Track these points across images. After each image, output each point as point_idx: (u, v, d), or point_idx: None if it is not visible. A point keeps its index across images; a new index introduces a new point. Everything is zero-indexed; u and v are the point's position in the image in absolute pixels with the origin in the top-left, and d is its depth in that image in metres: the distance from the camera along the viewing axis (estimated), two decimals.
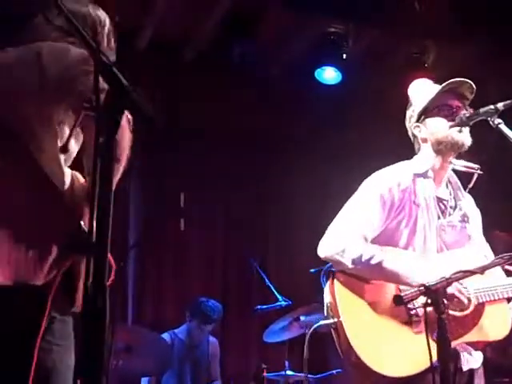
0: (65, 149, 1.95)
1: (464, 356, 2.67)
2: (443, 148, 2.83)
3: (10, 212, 1.84)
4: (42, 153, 1.90)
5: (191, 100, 5.90)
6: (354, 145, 6.43)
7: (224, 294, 6.35)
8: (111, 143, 1.35)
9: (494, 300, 2.67)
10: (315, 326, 2.77)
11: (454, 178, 2.96)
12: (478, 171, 2.87)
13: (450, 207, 2.88)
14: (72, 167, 2.03)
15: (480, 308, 2.67)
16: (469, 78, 2.85)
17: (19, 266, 1.78)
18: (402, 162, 2.91)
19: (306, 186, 6.54)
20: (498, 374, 4.54)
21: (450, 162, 2.87)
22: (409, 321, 2.59)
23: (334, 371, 5.10)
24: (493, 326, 2.66)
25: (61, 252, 1.83)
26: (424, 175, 2.84)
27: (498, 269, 2.70)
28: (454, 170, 2.94)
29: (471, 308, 2.65)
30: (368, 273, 2.66)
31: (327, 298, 2.70)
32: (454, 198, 2.91)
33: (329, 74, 5.91)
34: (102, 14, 2.21)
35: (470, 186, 2.92)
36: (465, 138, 2.80)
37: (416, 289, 2.31)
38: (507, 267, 2.75)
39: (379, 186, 2.78)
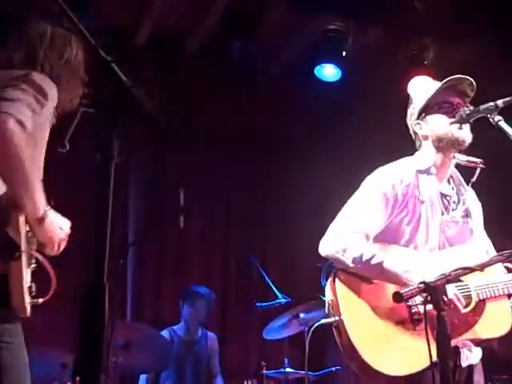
0: None
1: (464, 352, 2.67)
2: (444, 145, 2.82)
3: None
4: None
5: (191, 98, 5.89)
6: (354, 143, 6.41)
7: (224, 291, 6.35)
8: (111, 141, 1.34)
9: (495, 296, 2.67)
10: (316, 324, 2.76)
11: (456, 173, 2.96)
12: (481, 165, 2.87)
13: (453, 202, 2.88)
14: None
15: (481, 305, 2.66)
16: (469, 76, 2.84)
17: None
18: (404, 159, 2.91)
19: (306, 186, 6.54)
20: (499, 369, 4.56)
21: (453, 158, 2.87)
22: (410, 319, 2.59)
23: (333, 368, 5.11)
24: (494, 323, 2.66)
25: None
26: (427, 171, 2.84)
27: (499, 264, 2.70)
28: (457, 164, 2.93)
29: (472, 305, 2.65)
30: (368, 272, 2.66)
31: (328, 296, 2.69)
32: (456, 193, 2.91)
33: (329, 71, 5.89)
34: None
35: (473, 180, 2.91)
36: (465, 134, 2.80)
37: (416, 286, 2.31)
38: (507, 265, 2.75)
39: (382, 183, 2.78)
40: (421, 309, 2.55)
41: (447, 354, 2.12)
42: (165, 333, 5.36)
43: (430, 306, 2.16)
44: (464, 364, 2.67)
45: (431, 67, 5.65)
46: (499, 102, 2.50)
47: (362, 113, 6.28)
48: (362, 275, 2.67)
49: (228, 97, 6.04)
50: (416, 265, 2.64)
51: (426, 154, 2.88)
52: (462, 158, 2.89)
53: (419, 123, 2.91)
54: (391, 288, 2.63)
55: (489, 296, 2.67)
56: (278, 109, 6.33)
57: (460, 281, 2.62)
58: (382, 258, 2.63)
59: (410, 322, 2.59)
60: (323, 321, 2.73)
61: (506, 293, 2.69)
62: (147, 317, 5.99)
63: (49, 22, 2.22)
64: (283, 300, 5.19)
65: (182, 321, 5.51)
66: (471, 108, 2.73)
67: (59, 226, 2.15)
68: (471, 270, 2.31)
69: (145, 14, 5.50)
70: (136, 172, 6.07)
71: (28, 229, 2.08)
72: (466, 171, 2.94)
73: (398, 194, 2.76)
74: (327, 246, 2.70)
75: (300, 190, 6.55)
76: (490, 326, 2.65)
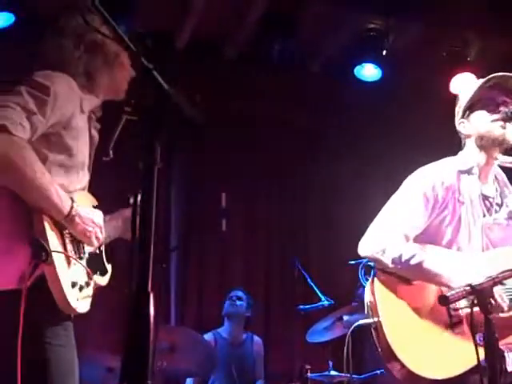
0: None
1: (509, 356, 2.61)
2: (485, 143, 2.77)
3: None
4: None
5: (235, 99, 5.92)
6: (394, 143, 6.32)
7: (266, 294, 6.35)
8: (153, 147, 1.35)
9: None
10: (354, 325, 2.75)
11: (501, 175, 2.90)
12: None
13: (496, 204, 2.82)
14: None
15: None
16: None
17: None
18: (446, 158, 2.86)
19: (348, 186, 6.49)
20: None
21: (496, 158, 2.81)
22: (449, 322, 2.55)
23: (378, 371, 5.05)
24: None
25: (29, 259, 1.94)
26: (468, 172, 2.78)
27: None
28: (502, 167, 2.87)
29: None
30: (408, 273, 2.63)
31: (367, 297, 2.67)
32: (499, 194, 2.85)
33: (368, 71, 5.85)
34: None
35: None
36: (507, 133, 2.73)
37: (462, 289, 2.27)
38: None
39: (422, 184, 2.74)
40: (461, 312, 2.51)
41: (496, 358, 2.08)
42: (209, 335, 5.39)
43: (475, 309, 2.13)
44: (510, 368, 2.61)
45: (474, 64, 5.56)
46: None
47: (402, 110, 6.21)
48: (402, 276, 2.64)
49: (266, 94, 6.05)
50: (458, 266, 2.60)
51: (469, 154, 2.83)
52: (508, 160, 2.82)
53: (463, 122, 2.86)
54: (431, 289, 2.60)
55: None
56: (316, 106, 6.32)
57: (502, 283, 2.57)
58: (421, 258, 2.59)
59: (448, 324, 2.55)
60: (361, 322, 2.71)
61: None
62: (191, 320, 6.02)
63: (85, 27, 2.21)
64: (326, 302, 5.15)
65: (225, 323, 5.54)
66: None
67: (91, 220, 2.18)
68: None
69: (185, 18, 5.56)
70: (176, 176, 6.11)
71: (66, 229, 2.13)
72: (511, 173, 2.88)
73: (439, 195, 2.72)
74: (366, 247, 2.69)
75: (342, 191, 6.51)
76: None
